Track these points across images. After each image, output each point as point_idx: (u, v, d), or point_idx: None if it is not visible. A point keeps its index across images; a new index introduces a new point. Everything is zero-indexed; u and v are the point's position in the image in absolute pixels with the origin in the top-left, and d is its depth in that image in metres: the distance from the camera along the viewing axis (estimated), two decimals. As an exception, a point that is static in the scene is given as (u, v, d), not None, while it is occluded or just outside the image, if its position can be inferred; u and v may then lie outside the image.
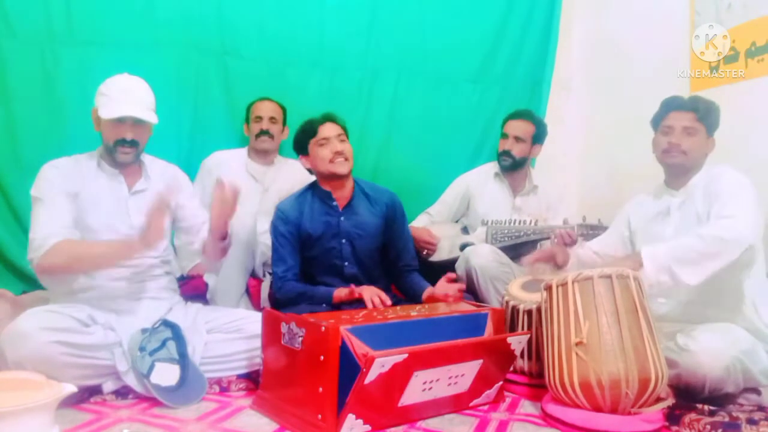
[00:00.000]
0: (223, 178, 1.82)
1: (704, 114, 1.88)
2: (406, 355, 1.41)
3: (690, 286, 1.71)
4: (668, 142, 1.90)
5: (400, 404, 1.51)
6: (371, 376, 1.37)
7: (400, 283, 2.23)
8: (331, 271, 2.17)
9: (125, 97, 1.81)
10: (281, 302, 2.14)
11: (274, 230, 2.16)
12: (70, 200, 1.77)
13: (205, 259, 2.05)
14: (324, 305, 2.01)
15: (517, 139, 2.65)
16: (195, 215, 2.05)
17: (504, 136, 2.69)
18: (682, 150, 1.89)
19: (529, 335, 1.71)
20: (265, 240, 2.62)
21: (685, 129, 1.88)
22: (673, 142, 1.89)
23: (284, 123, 2.77)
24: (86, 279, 1.79)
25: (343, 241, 2.16)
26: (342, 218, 2.15)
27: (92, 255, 1.74)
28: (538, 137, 2.70)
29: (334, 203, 2.15)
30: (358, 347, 1.42)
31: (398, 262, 2.21)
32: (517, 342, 1.65)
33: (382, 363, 1.38)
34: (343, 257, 2.16)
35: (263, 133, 2.68)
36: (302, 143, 2.13)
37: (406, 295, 2.19)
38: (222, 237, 1.89)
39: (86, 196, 1.80)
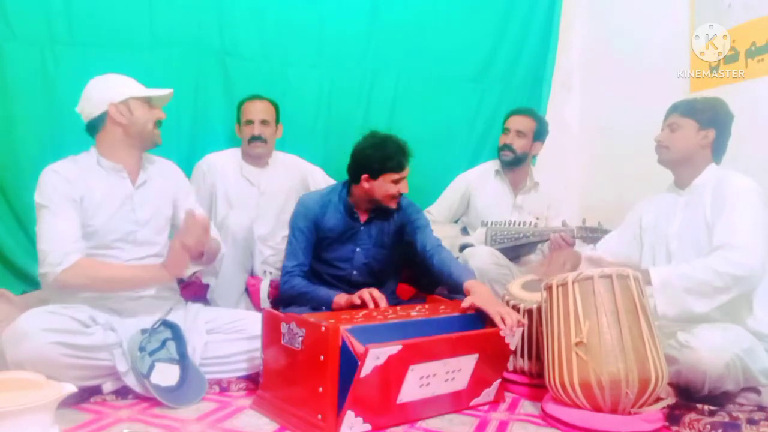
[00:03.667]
0: (194, 210, 1.81)
1: (686, 109, 1.92)
2: (400, 347, 1.43)
3: (698, 314, 1.71)
4: (656, 141, 1.98)
5: (398, 401, 1.51)
6: (367, 368, 1.39)
7: (432, 265, 2.04)
8: (339, 278, 2.19)
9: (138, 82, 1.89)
10: (283, 298, 2.15)
11: (293, 223, 2.18)
12: (76, 206, 1.75)
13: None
14: (323, 308, 2.01)
15: (519, 133, 2.66)
16: None
17: (505, 131, 2.70)
18: (664, 146, 1.95)
19: (523, 328, 1.71)
20: (265, 242, 2.63)
21: (669, 126, 1.95)
22: (657, 139, 1.97)
23: (277, 120, 2.71)
24: None
25: (357, 249, 2.18)
26: (362, 231, 2.18)
27: (118, 279, 1.76)
28: (540, 134, 2.70)
29: (356, 215, 2.17)
30: (358, 347, 1.42)
31: (426, 247, 2.10)
32: (511, 335, 1.66)
33: (377, 355, 1.39)
34: (354, 266, 2.19)
35: (255, 138, 2.60)
36: (376, 171, 2.05)
37: (439, 278, 2.05)
38: (198, 257, 1.84)
39: (91, 197, 1.79)
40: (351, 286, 2.16)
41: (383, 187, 2.07)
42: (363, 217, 2.17)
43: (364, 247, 2.19)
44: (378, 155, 2.05)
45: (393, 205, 2.12)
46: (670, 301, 1.71)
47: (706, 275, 1.69)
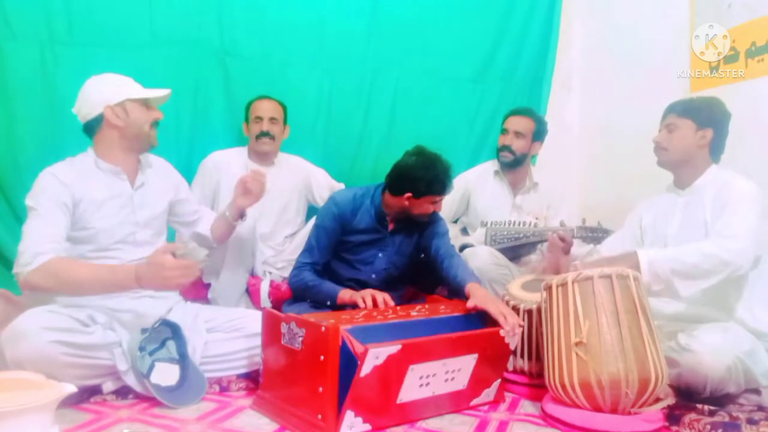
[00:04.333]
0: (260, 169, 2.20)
1: (683, 109, 1.92)
2: (399, 347, 1.43)
3: (682, 297, 1.74)
4: (654, 142, 1.98)
5: (398, 401, 1.51)
6: (366, 368, 1.39)
7: (442, 269, 2.07)
8: (357, 280, 2.19)
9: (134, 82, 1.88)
10: (293, 291, 2.18)
11: (320, 220, 2.17)
12: (67, 211, 1.73)
13: (212, 241, 2.17)
14: (328, 303, 2.02)
15: (517, 134, 2.65)
16: (193, 211, 2.11)
17: (504, 131, 2.69)
18: (662, 147, 1.95)
19: (522, 328, 1.72)
20: (266, 242, 2.62)
21: (666, 127, 1.95)
22: (655, 140, 1.97)
23: (285, 122, 2.73)
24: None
25: (380, 255, 2.19)
26: (388, 238, 2.18)
27: (86, 283, 1.64)
28: (539, 134, 2.70)
29: (386, 222, 2.16)
30: (358, 347, 1.42)
31: (439, 252, 2.12)
32: (512, 335, 1.67)
33: (377, 354, 1.40)
34: (374, 269, 2.19)
35: (263, 134, 2.62)
36: (421, 192, 2.03)
37: (445, 282, 2.09)
38: (241, 216, 2.13)
39: (90, 200, 1.78)
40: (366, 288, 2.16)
41: (423, 206, 2.07)
42: (391, 225, 2.18)
43: (387, 254, 2.19)
44: (427, 178, 2.01)
45: (425, 219, 2.13)
46: (655, 281, 1.74)
47: (695, 257, 1.71)
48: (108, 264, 1.77)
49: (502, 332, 1.65)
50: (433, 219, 2.17)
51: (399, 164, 2.08)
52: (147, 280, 1.59)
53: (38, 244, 1.64)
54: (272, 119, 2.64)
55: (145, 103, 1.86)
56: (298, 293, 2.15)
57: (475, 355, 1.61)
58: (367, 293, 1.91)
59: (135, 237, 1.85)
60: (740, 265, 1.69)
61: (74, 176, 1.77)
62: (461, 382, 1.63)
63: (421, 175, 2.01)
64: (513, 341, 1.69)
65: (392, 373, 1.46)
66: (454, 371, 1.59)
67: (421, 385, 1.54)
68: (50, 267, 1.62)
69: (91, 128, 1.84)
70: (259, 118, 2.63)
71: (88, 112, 1.82)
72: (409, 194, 2.04)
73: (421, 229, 2.19)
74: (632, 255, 1.78)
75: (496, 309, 1.70)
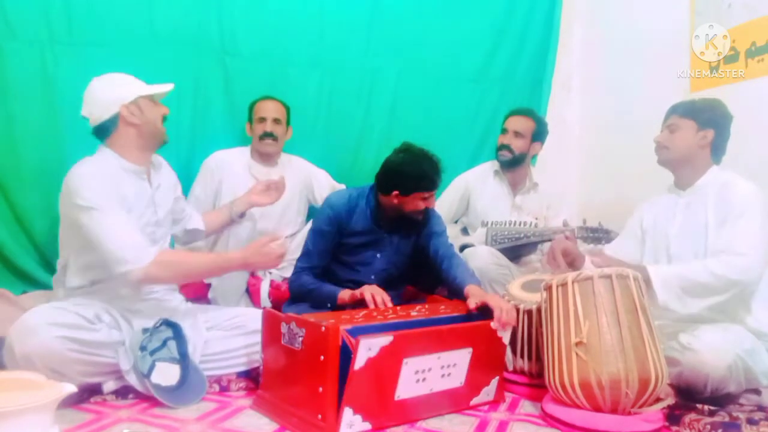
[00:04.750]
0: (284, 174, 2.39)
1: (685, 110, 1.93)
2: (391, 338, 1.44)
3: (691, 312, 1.75)
4: (655, 142, 1.98)
5: (396, 398, 1.52)
6: (360, 360, 1.40)
7: (442, 270, 2.07)
8: (356, 282, 2.17)
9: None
10: (292, 294, 2.18)
11: (316, 224, 2.15)
12: (121, 203, 1.72)
13: (203, 235, 2.24)
14: (329, 305, 2.02)
15: (517, 134, 2.65)
16: (183, 208, 2.12)
17: (504, 131, 2.69)
18: (663, 146, 1.96)
19: (513, 323, 1.72)
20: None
21: (668, 127, 1.96)
22: (657, 140, 1.98)
23: (288, 122, 2.73)
24: (97, 276, 1.78)
25: (378, 255, 2.17)
26: (385, 239, 2.17)
27: (198, 268, 1.85)
28: (539, 135, 2.69)
29: (382, 223, 2.15)
30: (351, 339, 1.42)
31: (438, 252, 2.12)
32: (502, 330, 1.69)
33: (369, 345, 1.41)
34: (373, 270, 2.18)
35: (267, 135, 2.62)
36: (409, 189, 2.01)
37: (446, 283, 2.08)
38: (242, 215, 2.29)
39: (123, 200, 1.76)
40: None
41: (413, 203, 2.04)
42: (388, 226, 2.16)
43: (385, 254, 2.18)
44: (413, 174, 1.99)
45: (419, 218, 2.11)
46: (669, 299, 1.74)
47: (704, 277, 1.71)
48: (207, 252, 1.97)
49: (493, 324, 1.67)
50: (428, 217, 2.16)
51: (386, 162, 2.07)
52: (255, 264, 1.85)
53: (133, 237, 1.67)
54: (276, 120, 2.64)
55: (152, 99, 1.86)
56: (298, 297, 2.14)
57: (470, 349, 1.62)
58: (367, 289, 1.91)
59: (155, 235, 1.86)
60: (750, 281, 1.71)
61: (109, 176, 1.75)
62: (458, 378, 1.63)
63: (408, 172, 2.00)
64: (505, 335, 1.70)
65: (387, 366, 1.47)
66: (450, 366, 1.60)
67: (418, 381, 1.54)
68: (164, 259, 1.71)
69: (106, 129, 1.81)
70: (263, 119, 2.63)
71: (101, 114, 1.79)
72: (396, 192, 2.02)
73: (419, 229, 2.19)
74: (642, 269, 1.76)
75: (496, 303, 1.72)
